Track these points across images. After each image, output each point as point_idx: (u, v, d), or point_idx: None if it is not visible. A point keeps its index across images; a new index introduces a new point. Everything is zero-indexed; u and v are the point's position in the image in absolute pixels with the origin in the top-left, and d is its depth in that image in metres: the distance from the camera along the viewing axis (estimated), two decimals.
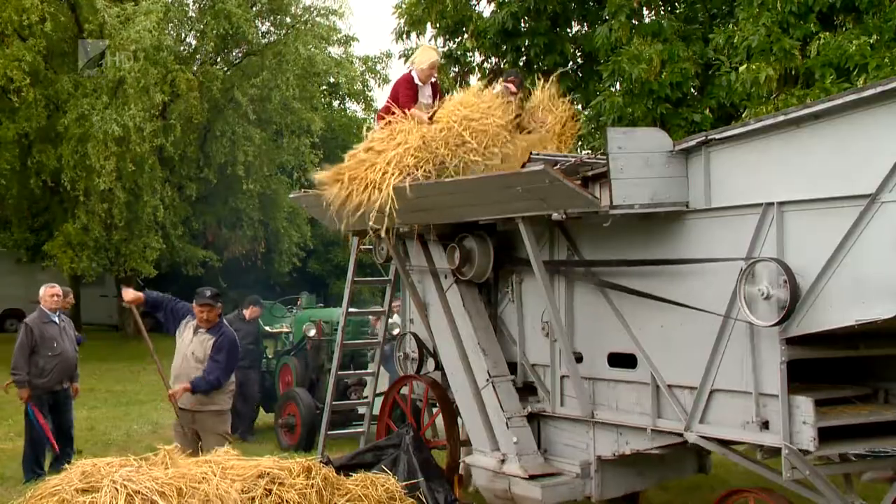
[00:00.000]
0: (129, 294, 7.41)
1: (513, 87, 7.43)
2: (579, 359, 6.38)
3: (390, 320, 8.97)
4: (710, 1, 11.93)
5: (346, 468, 6.46)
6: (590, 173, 5.75)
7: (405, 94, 7.32)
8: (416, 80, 7.44)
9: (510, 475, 6.50)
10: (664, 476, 6.88)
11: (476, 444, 6.93)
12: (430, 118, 7.07)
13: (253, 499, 5.36)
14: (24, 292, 27.72)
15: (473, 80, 12.97)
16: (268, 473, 5.54)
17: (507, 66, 14.12)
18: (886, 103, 4.57)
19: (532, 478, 6.36)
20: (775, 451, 5.25)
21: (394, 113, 7.18)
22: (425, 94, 7.47)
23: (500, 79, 7.20)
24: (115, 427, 11.96)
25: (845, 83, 8.87)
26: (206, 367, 7.19)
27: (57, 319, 8.90)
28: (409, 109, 7.18)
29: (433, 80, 7.63)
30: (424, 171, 6.72)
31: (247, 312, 11.39)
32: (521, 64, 13.93)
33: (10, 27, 19.29)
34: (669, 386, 5.75)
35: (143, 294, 7.54)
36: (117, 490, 5.10)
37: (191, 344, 7.28)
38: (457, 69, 13.60)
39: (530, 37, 13.23)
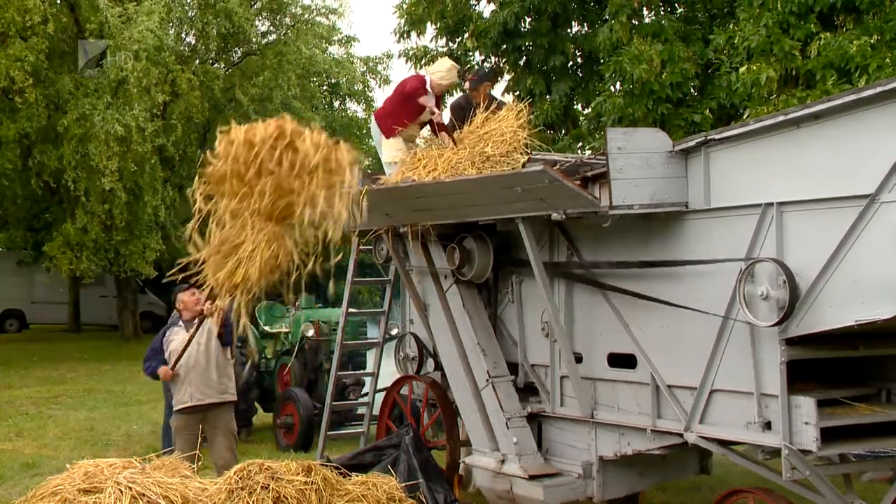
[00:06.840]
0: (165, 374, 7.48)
1: (477, 99, 7.50)
2: (579, 359, 6.38)
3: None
4: (710, 1, 11.94)
5: (345, 468, 6.45)
6: (590, 173, 5.74)
7: (411, 105, 7.40)
8: (428, 87, 7.50)
9: (511, 475, 6.51)
10: (666, 477, 6.88)
11: (476, 444, 6.93)
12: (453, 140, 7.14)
13: (251, 491, 5.35)
14: (24, 292, 27.77)
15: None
16: (268, 468, 5.54)
17: (507, 66, 14.14)
18: (886, 104, 4.56)
19: (532, 478, 6.36)
20: (776, 452, 5.24)
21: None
22: (431, 102, 7.52)
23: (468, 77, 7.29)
24: (114, 427, 11.95)
25: (846, 84, 8.88)
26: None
27: None
28: (409, 121, 7.34)
29: None
30: None
31: None
32: (521, 64, 13.95)
33: (12, 28, 19.26)
34: (669, 386, 5.75)
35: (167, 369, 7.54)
36: (121, 492, 5.07)
37: (194, 341, 7.23)
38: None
39: (531, 37, 13.25)
